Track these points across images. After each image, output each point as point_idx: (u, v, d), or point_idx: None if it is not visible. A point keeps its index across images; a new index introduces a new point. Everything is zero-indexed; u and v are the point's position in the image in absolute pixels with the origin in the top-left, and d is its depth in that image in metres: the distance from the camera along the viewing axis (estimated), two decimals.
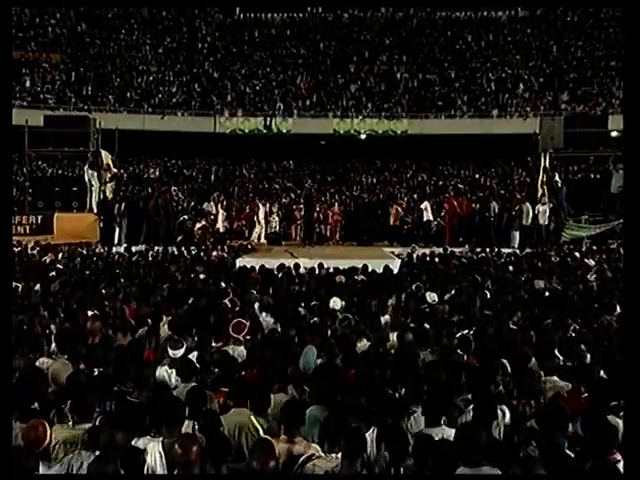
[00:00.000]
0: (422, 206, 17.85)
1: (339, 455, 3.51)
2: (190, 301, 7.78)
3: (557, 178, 17.23)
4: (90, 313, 6.81)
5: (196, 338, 5.95)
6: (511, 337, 5.97)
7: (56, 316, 7.00)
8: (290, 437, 3.74)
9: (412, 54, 32.40)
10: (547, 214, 16.72)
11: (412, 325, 6.60)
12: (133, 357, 5.03)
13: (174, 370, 5.01)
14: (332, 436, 3.63)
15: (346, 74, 31.74)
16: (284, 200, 23.13)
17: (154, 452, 3.59)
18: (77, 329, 6.24)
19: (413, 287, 8.51)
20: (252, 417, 4.05)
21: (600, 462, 3.36)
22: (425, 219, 17.49)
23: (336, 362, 5.13)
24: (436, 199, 20.39)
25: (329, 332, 6.25)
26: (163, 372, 5.06)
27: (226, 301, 7.54)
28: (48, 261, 12.04)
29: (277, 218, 19.21)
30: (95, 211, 17.47)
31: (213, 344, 5.80)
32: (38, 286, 8.71)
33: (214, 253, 14.39)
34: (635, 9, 4.41)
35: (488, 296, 8.15)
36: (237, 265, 11.78)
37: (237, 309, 7.13)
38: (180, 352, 5.14)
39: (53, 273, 10.00)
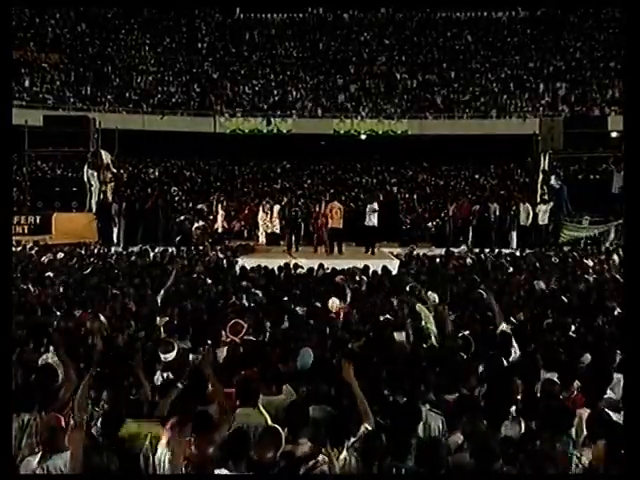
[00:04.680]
0: (375, 206, 15.11)
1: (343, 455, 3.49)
2: (188, 302, 7.76)
3: (553, 181, 17.20)
4: (90, 313, 6.81)
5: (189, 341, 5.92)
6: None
7: (54, 315, 6.99)
8: (294, 439, 3.69)
9: (412, 54, 32.43)
10: (547, 214, 16.72)
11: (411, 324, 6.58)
12: (130, 358, 5.01)
13: (168, 373, 4.98)
14: (336, 436, 3.62)
15: (346, 74, 31.75)
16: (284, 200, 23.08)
17: (164, 447, 3.60)
18: (77, 328, 6.23)
19: (407, 287, 8.48)
20: (260, 407, 4.05)
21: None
22: (370, 224, 14.86)
23: (333, 362, 5.09)
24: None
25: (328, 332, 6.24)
26: (158, 377, 5.01)
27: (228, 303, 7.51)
28: (46, 261, 12.02)
29: (277, 219, 19.14)
30: (94, 211, 17.46)
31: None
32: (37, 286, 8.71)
33: (211, 253, 14.38)
34: (635, 9, 4.42)
35: (486, 296, 8.12)
36: (237, 266, 11.78)
37: (238, 310, 7.10)
38: (171, 355, 5.09)
39: (50, 273, 9.96)
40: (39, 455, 3.64)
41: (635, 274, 3.87)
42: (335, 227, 14.87)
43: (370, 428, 3.73)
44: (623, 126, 4.62)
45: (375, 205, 14.96)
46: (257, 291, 8.51)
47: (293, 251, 14.51)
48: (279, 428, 3.64)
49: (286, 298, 8.01)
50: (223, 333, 6.03)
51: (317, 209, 16.08)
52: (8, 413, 3.64)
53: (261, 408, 4.07)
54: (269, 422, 3.94)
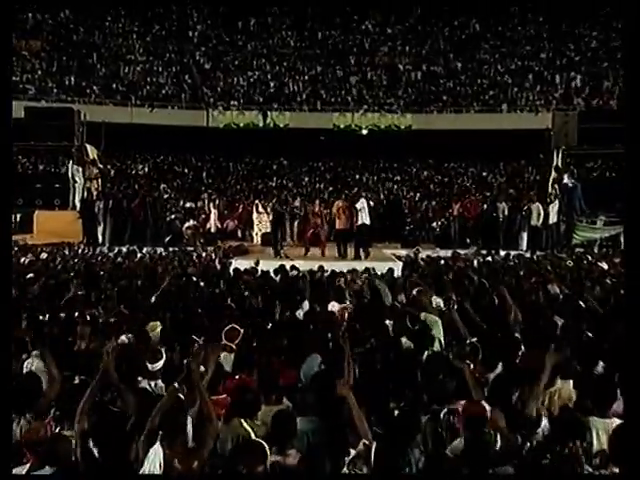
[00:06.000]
0: (357, 205, 14.23)
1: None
2: (180, 306, 7.77)
3: (566, 180, 17.23)
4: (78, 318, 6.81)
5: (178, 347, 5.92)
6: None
7: (36, 320, 6.98)
8: (281, 449, 3.73)
9: (416, 44, 32.45)
10: (556, 214, 16.77)
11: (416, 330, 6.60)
12: (117, 365, 5.01)
13: (157, 382, 5.00)
14: (318, 451, 3.65)
15: (346, 65, 31.77)
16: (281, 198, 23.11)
17: (154, 460, 3.62)
18: (62, 334, 6.23)
19: (414, 291, 8.49)
20: (242, 421, 4.05)
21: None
22: (360, 222, 14.02)
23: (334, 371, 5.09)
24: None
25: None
26: (145, 385, 5.01)
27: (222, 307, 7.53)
28: (27, 262, 12.00)
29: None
30: (78, 209, 17.47)
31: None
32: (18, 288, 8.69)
33: (203, 254, 14.41)
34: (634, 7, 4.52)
35: (496, 302, 8.14)
36: (231, 267, 11.82)
37: (233, 315, 7.11)
38: (159, 365, 5.10)
39: (31, 275, 9.94)
40: (28, 466, 3.65)
41: (635, 274, 3.94)
42: (341, 228, 14.36)
43: (369, 444, 3.75)
44: (624, 122, 4.70)
45: (359, 204, 14.22)
46: (252, 294, 8.51)
47: (281, 251, 14.38)
48: (262, 442, 3.65)
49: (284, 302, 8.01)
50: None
51: (312, 207, 15.84)
52: (8, 414, 3.69)
53: (244, 423, 4.05)
54: (252, 436, 3.94)
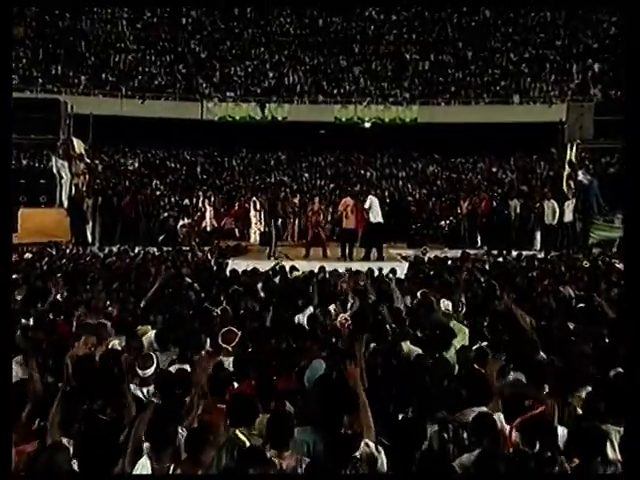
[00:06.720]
0: (365, 205, 13.94)
1: None
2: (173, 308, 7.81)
3: (581, 176, 17.20)
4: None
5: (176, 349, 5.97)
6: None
7: (19, 324, 7.01)
8: (279, 452, 3.81)
9: (423, 32, 32.45)
10: (572, 212, 16.77)
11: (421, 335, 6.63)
12: (105, 371, 5.05)
13: (149, 388, 5.04)
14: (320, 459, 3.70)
15: (349, 55, 31.78)
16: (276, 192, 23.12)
17: (142, 471, 3.68)
18: (51, 339, 6.26)
19: (418, 293, 8.53)
20: (237, 432, 4.10)
21: None
22: (374, 220, 13.81)
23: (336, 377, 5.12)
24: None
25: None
26: (137, 392, 5.05)
27: (217, 310, 7.57)
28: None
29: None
30: (65, 206, 17.49)
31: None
32: None
33: (199, 254, 14.47)
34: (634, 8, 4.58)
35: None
36: (228, 268, 11.87)
37: (229, 318, 7.15)
38: (150, 371, 5.13)
39: (16, 276, 9.97)
40: None
41: (635, 273, 4.01)
42: (349, 228, 14.16)
43: (371, 444, 3.83)
44: (624, 119, 4.75)
45: (367, 203, 13.96)
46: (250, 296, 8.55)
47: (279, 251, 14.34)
48: (262, 449, 3.75)
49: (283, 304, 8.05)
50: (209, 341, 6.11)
51: (312, 205, 15.78)
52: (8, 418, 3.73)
53: (239, 434, 4.10)
54: (247, 444, 4.01)
